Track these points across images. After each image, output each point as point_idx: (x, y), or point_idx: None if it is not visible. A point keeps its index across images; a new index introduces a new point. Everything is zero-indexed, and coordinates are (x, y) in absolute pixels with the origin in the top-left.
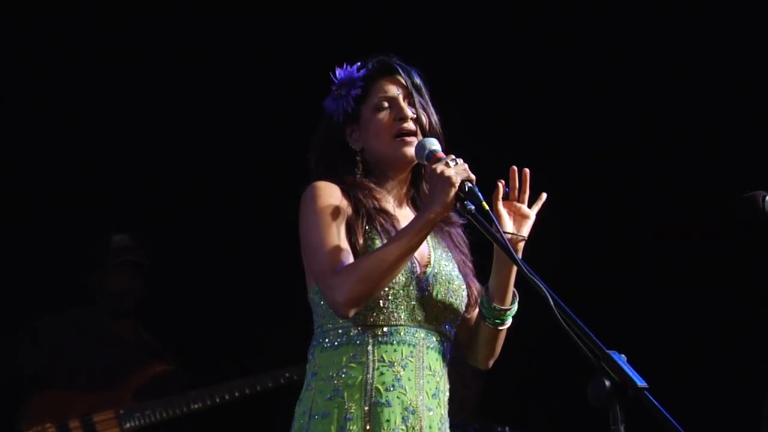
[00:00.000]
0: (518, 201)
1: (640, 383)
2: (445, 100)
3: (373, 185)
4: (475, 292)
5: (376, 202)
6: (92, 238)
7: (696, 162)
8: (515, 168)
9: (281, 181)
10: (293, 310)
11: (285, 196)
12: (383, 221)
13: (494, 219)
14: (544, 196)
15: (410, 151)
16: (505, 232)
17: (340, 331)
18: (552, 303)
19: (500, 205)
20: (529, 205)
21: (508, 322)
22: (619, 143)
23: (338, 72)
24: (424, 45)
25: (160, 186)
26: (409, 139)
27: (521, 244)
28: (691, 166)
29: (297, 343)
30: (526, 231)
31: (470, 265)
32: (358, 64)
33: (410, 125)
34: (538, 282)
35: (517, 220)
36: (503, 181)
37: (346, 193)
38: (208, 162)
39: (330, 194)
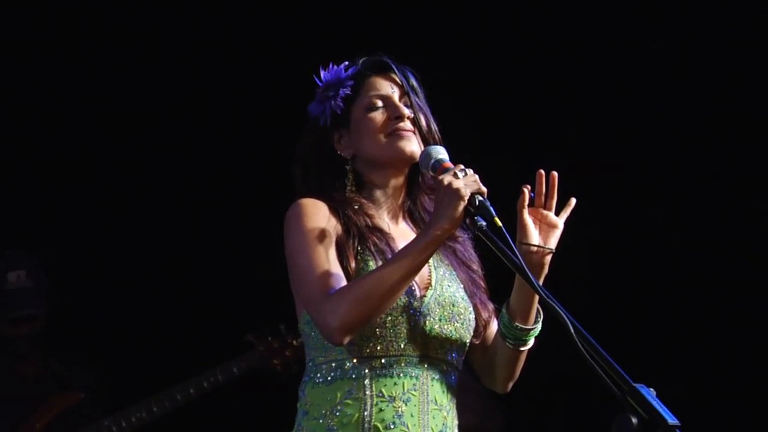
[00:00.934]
0: (545, 208)
1: (671, 421)
2: (447, 101)
3: (364, 200)
4: (484, 315)
5: (368, 220)
6: None
7: (745, 171)
8: (542, 171)
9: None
10: (206, 316)
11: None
12: (377, 240)
13: (508, 236)
14: (574, 201)
15: (408, 146)
16: (531, 245)
17: (333, 364)
18: (573, 331)
19: (526, 213)
20: (557, 213)
21: (531, 342)
22: (657, 141)
23: (323, 73)
24: (426, 41)
25: (64, 189)
26: (405, 133)
27: (548, 258)
28: (739, 173)
29: (214, 347)
30: (553, 242)
31: (481, 283)
32: (345, 63)
33: (407, 125)
34: (556, 307)
35: (543, 230)
36: (528, 187)
37: (334, 210)
38: (118, 161)
39: (316, 212)
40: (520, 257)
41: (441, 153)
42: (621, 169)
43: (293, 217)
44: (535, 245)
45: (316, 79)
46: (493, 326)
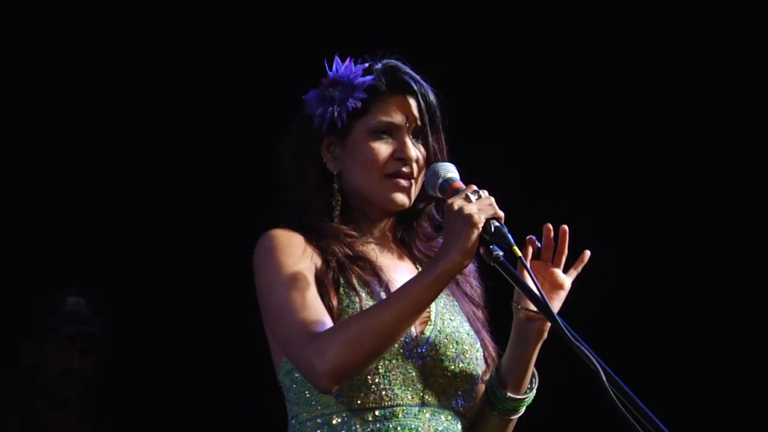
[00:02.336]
0: (553, 264)
1: None
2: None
3: (346, 227)
4: (492, 352)
5: (347, 249)
6: (34, 297)
7: None
8: (549, 226)
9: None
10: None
11: None
12: (360, 271)
13: (528, 269)
14: (587, 255)
15: (400, 198)
16: (530, 311)
17: (318, 420)
18: (605, 379)
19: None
20: (566, 269)
21: (522, 410)
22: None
23: (336, 64)
24: (430, 45)
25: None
26: (404, 182)
27: (548, 325)
28: None
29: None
30: (556, 306)
31: (481, 316)
32: (364, 65)
33: (409, 169)
34: (587, 352)
35: (545, 290)
36: (533, 238)
37: (310, 241)
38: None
39: (289, 243)
40: (543, 292)
41: (450, 171)
42: (638, 200)
43: (264, 251)
44: (532, 311)
45: (326, 66)
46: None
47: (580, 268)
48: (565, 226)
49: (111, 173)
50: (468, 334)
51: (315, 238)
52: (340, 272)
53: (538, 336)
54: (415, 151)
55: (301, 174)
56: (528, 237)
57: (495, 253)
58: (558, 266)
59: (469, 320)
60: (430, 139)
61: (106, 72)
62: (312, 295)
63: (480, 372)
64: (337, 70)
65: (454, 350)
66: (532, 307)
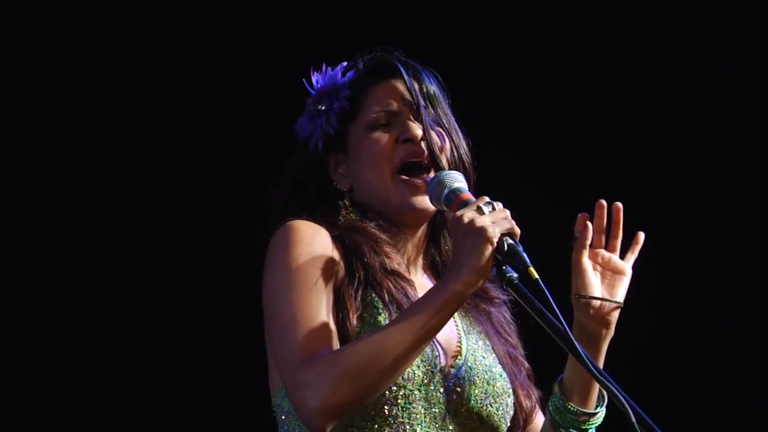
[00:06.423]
0: (607, 249)
1: None
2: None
3: (379, 232)
4: (526, 404)
5: (383, 259)
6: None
7: None
8: (603, 202)
9: None
10: None
11: None
12: (393, 288)
13: (547, 293)
14: (642, 236)
15: (420, 202)
16: (593, 298)
17: None
18: (634, 420)
19: (585, 257)
20: (622, 255)
21: None
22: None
23: (315, 78)
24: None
25: None
26: (418, 181)
27: (616, 314)
28: None
29: None
30: (621, 293)
31: (524, 362)
32: (344, 64)
33: (419, 149)
34: (613, 388)
35: (607, 278)
36: (587, 218)
37: (338, 242)
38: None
39: (313, 241)
40: (563, 321)
41: (457, 180)
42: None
43: (282, 246)
44: (598, 298)
45: (307, 86)
46: (538, 421)
47: (636, 251)
48: (619, 203)
49: (110, 173)
50: (501, 376)
51: (344, 237)
52: (367, 286)
53: (604, 328)
54: (422, 131)
55: (304, 204)
56: (581, 214)
57: (508, 274)
58: (613, 250)
59: (501, 363)
60: (436, 119)
61: (104, 72)
62: (324, 311)
63: (508, 420)
64: (317, 83)
65: (483, 390)
66: (595, 293)
